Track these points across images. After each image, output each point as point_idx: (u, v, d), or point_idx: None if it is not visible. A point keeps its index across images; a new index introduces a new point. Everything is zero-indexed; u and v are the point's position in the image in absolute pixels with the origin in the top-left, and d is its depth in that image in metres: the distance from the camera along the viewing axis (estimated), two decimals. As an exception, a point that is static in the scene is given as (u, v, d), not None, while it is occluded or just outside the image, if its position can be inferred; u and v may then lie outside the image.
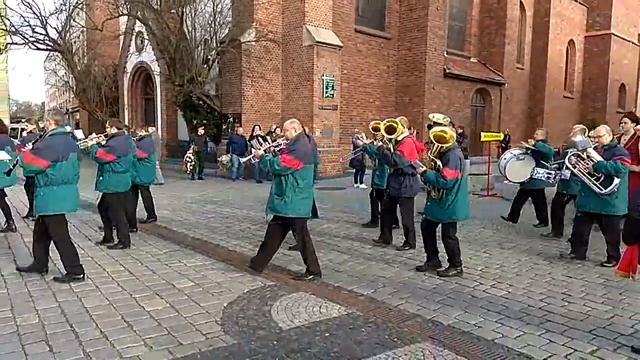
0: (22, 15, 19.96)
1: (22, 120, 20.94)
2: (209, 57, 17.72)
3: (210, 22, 17.19)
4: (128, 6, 18.67)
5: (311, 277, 5.05)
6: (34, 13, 19.61)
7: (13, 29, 19.77)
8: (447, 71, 21.44)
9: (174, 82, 17.98)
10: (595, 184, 5.54)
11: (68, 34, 21.79)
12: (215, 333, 3.73)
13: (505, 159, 8.01)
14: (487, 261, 5.83)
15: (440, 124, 8.18)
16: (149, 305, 4.28)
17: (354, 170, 13.90)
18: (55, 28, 20.75)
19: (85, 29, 23.60)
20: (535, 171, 7.15)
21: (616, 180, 5.42)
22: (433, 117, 8.04)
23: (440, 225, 5.31)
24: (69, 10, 20.87)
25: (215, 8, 16.92)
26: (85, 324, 3.84)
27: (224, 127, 18.11)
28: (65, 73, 26.84)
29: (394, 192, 6.46)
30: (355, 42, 19.51)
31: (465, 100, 23.24)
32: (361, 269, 5.50)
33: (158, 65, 20.55)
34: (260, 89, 17.70)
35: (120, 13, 19.28)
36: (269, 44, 17.30)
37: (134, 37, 22.21)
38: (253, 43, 17.00)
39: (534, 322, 3.99)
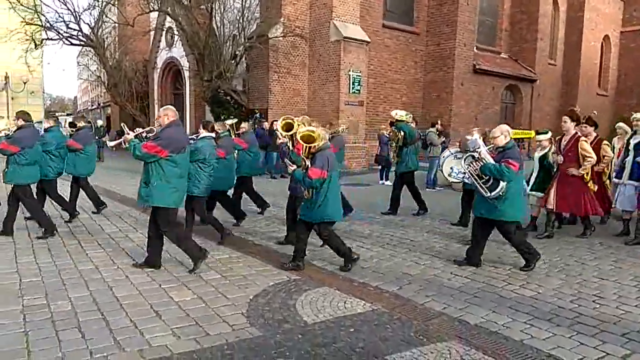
0: (56, 11, 20.73)
1: (58, 113, 21.53)
2: (237, 52, 17.87)
3: (238, 17, 17.32)
4: (159, 2, 18.97)
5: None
6: (68, 9, 20.15)
7: (48, 24, 20.38)
8: (477, 67, 21.08)
9: (202, 78, 18.20)
10: (482, 187, 5.20)
11: (100, 30, 22.30)
12: (241, 325, 3.78)
13: (443, 157, 8.00)
14: (517, 261, 5.71)
15: (402, 121, 8.05)
16: (177, 295, 4.36)
17: (380, 167, 13.83)
18: (88, 24, 21.28)
19: (116, 25, 24.09)
20: (452, 171, 7.06)
21: (501, 184, 5.05)
22: (396, 114, 7.90)
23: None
24: (102, 6, 21.35)
25: (243, 4, 17.05)
26: (115, 313, 3.94)
27: (250, 122, 18.25)
28: (97, 68, 27.50)
29: (294, 190, 6.29)
30: (382, 38, 19.36)
31: (494, 97, 22.81)
32: (387, 266, 5.47)
33: (187, 61, 20.85)
34: (287, 84, 17.76)
35: (151, 9, 19.60)
36: (296, 40, 17.34)
37: (164, 32, 22.56)
38: (280, 39, 17.06)
39: (565, 324, 3.90)
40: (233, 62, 17.86)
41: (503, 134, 5.25)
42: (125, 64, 24.54)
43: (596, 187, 7.08)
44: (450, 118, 19.84)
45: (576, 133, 6.76)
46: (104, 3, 21.34)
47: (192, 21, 17.85)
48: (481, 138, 5.53)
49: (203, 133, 6.38)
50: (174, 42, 21.81)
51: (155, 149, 4.73)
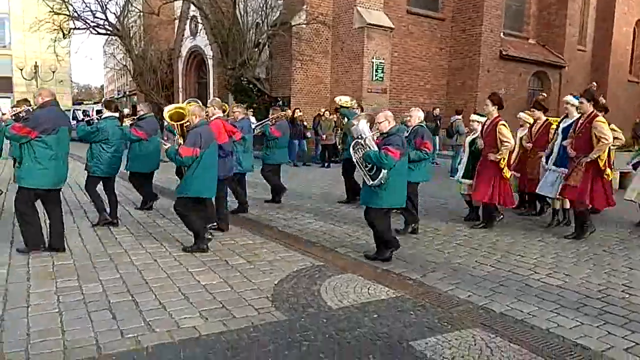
0: (83, 1, 20.87)
1: (85, 102, 22.01)
2: (260, 40, 17.89)
3: (261, 5, 17.32)
4: (183, -9, 19.09)
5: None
6: (95, -1, 20.42)
7: (76, 14, 20.74)
8: (504, 53, 20.61)
9: (225, 66, 18.31)
10: (366, 175, 5.03)
11: (126, 19, 22.62)
12: (266, 308, 3.84)
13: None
14: (543, 250, 5.64)
15: (346, 107, 7.79)
16: (204, 279, 4.45)
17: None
18: (114, 13, 21.64)
19: (142, 14, 24.35)
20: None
21: (383, 172, 4.84)
22: (339, 100, 7.66)
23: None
24: (127, -5, 21.60)
25: (267, -9, 17.01)
26: (145, 295, 4.05)
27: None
28: (123, 57, 27.92)
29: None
30: (406, 24, 19.09)
31: (521, 84, 22.29)
32: (410, 254, 5.46)
33: (211, 49, 20.99)
34: (310, 72, 17.72)
35: (177, -3, 19.75)
36: (319, 27, 17.24)
37: (188, 21, 22.73)
38: (303, 26, 17.00)
39: (592, 313, 3.84)
40: (256, 50, 17.91)
41: (387, 120, 5.03)
42: (151, 53, 24.84)
43: (510, 174, 6.62)
44: (476, 105, 19.50)
45: (497, 117, 6.46)
46: (130, -8, 21.59)
47: (216, 9, 17.92)
48: (369, 124, 5.12)
49: (106, 113, 6.48)
50: (198, 31, 21.96)
51: (24, 130, 4.75)
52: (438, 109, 16.39)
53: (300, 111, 15.17)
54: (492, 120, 6.52)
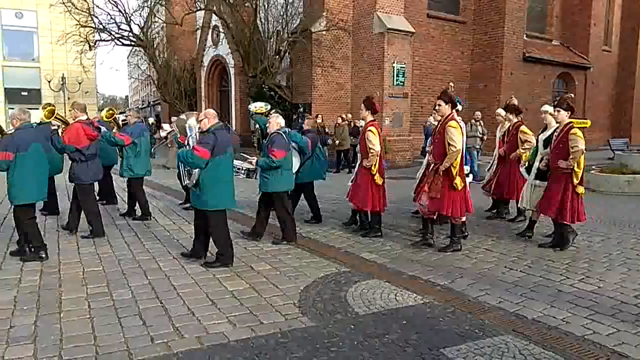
0: (108, 13, 21.38)
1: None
2: (281, 48, 18.02)
3: (282, 13, 17.46)
4: (205, 1, 19.39)
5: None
6: (119, 11, 20.97)
7: (101, 26, 21.27)
8: (527, 55, 20.29)
9: (247, 74, 18.50)
10: (183, 174, 5.14)
11: (150, 30, 23.08)
12: (293, 315, 3.83)
13: None
14: (574, 255, 5.49)
15: (260, 114, 7.45)
16: (231, 285, 4.47)
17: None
18: (138, 24, 22.09)
19: (165, 25, 24.82)
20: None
21: (194, 171, 4.87)
22: (254, 107, 7.43)
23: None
24: (151, 6, 22.05)
25: (287, 0, 17.15)
26: (173, 301, 4.09)
27: (294, 117, 18.40)
28: (148, 67, 28.46)
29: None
30: (427, 28, 18.98)
31: (546, 86, 21.90)
32: (436, 259, 5.39)
33: (232, 58, 21.23)
34: (330, 78, 17.75)
35: (198, 8, 20.08)
36: (339, 33, 17.28)
37: (210, 31, 23.05)
38: (323, 32, 17.06)
39: (629, 319, 3.72)
40: (277, 57, 18.04)
41: (207, 117, 5.00)
42: (174, 63, 25.28)
43: (382, 181, 6.22)
44: (498, 108, 19.25)
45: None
46: (153, 3, 22.04)
47: (237, 19, 18.14)
48: (198, 125, 5.18)
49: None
50: (220, 40, 22.25)
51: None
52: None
53: (321, 118, 15.22)
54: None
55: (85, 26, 20.80)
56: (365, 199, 6.16)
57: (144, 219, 7.42)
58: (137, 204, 7.59)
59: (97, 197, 8.15)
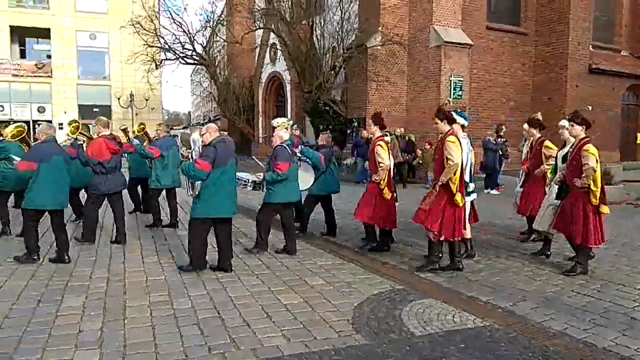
0: (174, 34, 22.55)
1: (175, 127, 23.61)
2: (336, 63, 18.24)
3: (338, 29, 17.69)
4: (264, 20, 20.02)
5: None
6: (184, 31, 22.07)
7: (167, 46, 22.47)
8: (593, 67, 19.31)
9: (303, 89, 18.85)
10: (187, 186, 5.39)
11: (211, 49, 24.09)
12: (347, 331, 3.79)
13: None
14: (649, 280, 5.11)
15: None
16: (285, 298, 4.50)
17: (485, 175, 13.19)
18: (201, 44, 23.12)
19: (226, 44, 25.83)
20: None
21: (197, 183, 5.19)
22: (277, 122, 7.42)
23: None
24: (213, 26, 23.05)
25: (343, 15, 17.38)
26: (230, 312, 4.17)
27: (348, 131, 18.47)
28: (209, 84, 29.66)
29: None
30: (486, 40, 18.56)
31: (614, 98, 20.69)
32: (496, 280, 5.18)
33: (289, 74, 21.73)
34: (385, 92, 17.71)
35: (257, 27, 20.76)
36: (395, 47, 17.26)
37: (268, 49, 23.76)
38: (379, 47, 17.11)
39: None
40: (332, 73, 18.26)
41: (208, 132, 5.32)
42: (233, 80, 26.20)
43: (390, 196, 6.15)
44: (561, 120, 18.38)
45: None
46: (215, 23, 23.03)
47: (294, 36, 18.58)
48: (201, 138, 5.43)
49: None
50: (277, 57, 22.85)
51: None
52: (504, 127, 15.05)
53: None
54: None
55: (152, 46, 22.04)
56: (365, 213, 6.17)
57: (152, 226, 7.83)
58: (169, 214, 8.07)
59: (135, 209, 9.05)
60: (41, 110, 30.35)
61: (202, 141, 5.39)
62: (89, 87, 31.22)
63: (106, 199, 6.76)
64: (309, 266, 5.65)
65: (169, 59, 23.09)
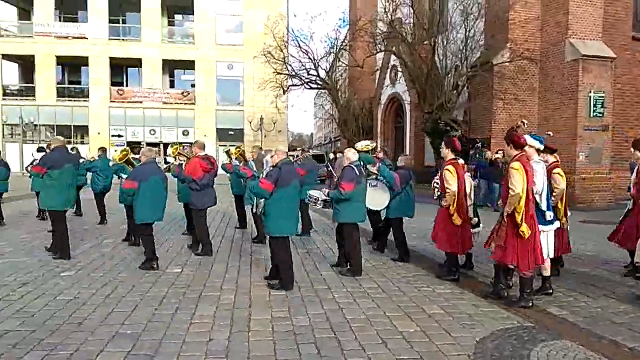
0: (300, 61, 23.86)
1: (297, 148, 24.80)
2: (459, 82, 17.71)
3: (461, 47, 17.21)
4: (385, 43, 20.27)
5: None
6: (309, 58, 23.24)
7: (293, 73, 23.87)
8: None
9: (423, 110, 18.58)
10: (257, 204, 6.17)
11: (334, 73, 25.02)
12: (467, 367, 3.60)
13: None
14: None
15: (365, 151, 7.34)
16: (401, 325, 4.42)
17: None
18: (324, 69, 24.13)
19: (347, 68, 26.63)
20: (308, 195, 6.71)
21: (261, 201, 5.79)
22: (361, 146, 7.46)
23: None
24: (336, 52, 23.96)
25: (467, 33, 16.87)
26: (346, 334, 4.21)
27: (470, 152, 17.69)
28: (331, 107, 30.72)
29: None
30: (632, 52, 16.62)
31: None
32: (647, 324, 4.51)
33: (409, 95, 21.61)
34: (513, 111, 16.70)
35: (378, 50, 21.08)
36: (524, 63, 16.25)
37: (388, 71, 23.97)
38: (507, 64, 16.25)
39: None
40: (454, 92, 17.75)
41: (277, 154, 5.69)
42: (354, 102, 26.85)
43: (460, 222, 5.86)
44: None
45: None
46: (338, 49, 23.93)
47: (415, 57, 18.48)
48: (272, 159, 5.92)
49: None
50: (398, 79, 22.90)
51: (37, 169, 6.89)
52: None
53: (503, 154, 14.30)
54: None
55: (281, 73, 23.58)
56: (441, 239, 6.01)
57: (257, 242, 8.32)
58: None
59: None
60: (185, 133, 34.05)
61: (271, 163, 5.86)
62: (225, 112, 34.32)
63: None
64: (426, 293, 5.48)
65: (295, 85, 24.47)
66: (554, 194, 5.74)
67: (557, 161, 6.13)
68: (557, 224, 5.48)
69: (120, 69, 35.21)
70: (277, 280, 5.66)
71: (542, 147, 5.46)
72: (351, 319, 4.57)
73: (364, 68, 22.51)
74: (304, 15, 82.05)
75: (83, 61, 33.33)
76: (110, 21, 33.40)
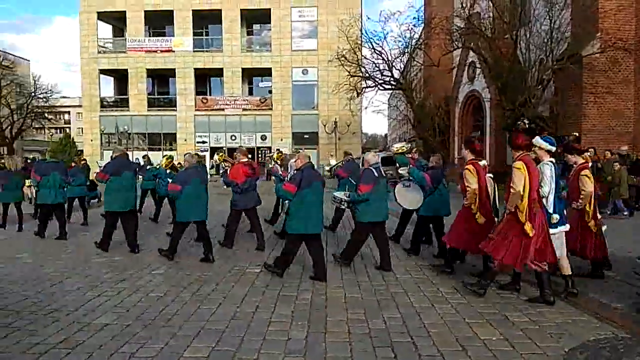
0: (374, 62, 23.77)
1: (372, 150, 24.74)
2: (544, 77, 16.71)
3: (545, 40, 16.24)
4: (462, 39, 19.63)
5: None
6: (383, 59, 23.09)
7: (367, 75, 23.84)
8: None
9: (504, 107, 17.73)
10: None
11: (408, 74, 24.68)
12: (555, 379, 3.39)
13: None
14: None
15: (401, 153, 8.13)
16: (482, 332, 4.26)
17: None
18: (398, 69, 23.86)
19: (422, 67, 26.12)
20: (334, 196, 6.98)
21: (285, 202, 7.39)
22: (396, 147, 8.42)
23: None
24: (411, 51, 23.61)
25: (552, 25, 15.89)
26: (423, 339, 4.13)
27: (558, 150, 16.59)
28: (405, 107, 30.29)
29: None
30: None
31: None
32: None
33: (489, 92, 20.73)
34: (605, 105, 15.49)
35: (455, 47, 20.45)
36: (618, 54, 15.00)
37: (466, 68, 23.15)
38: (597, 55, 15.09)
39: None
40: (539, 87, 16.76)
41: (299, 159, 6.24)
42: (429, 102, 26.26)
43: (483, 221, 5.85)
44: None
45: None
46: (413, 48, 23.55)
47: (495, 52, 17.70)
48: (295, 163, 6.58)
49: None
50: (476, 76, 22.06)
51: (100, 175, 7.84)
52: None
53: (595, 151, 13.29)
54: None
55: (354, 76, 23.66)
56: (457, 236, 6.04)
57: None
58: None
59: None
60: (263, 138, 35.26)
61: (294, 167, 6.45)
62: (301, 117, 35.09)
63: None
64: (509, 300, 5.23)
65: (369, 87, 24.43)
66: (580, 196, 5.70)
67: (586, 162, 6.08)
68: (565, 227, 5.44)
69: (204, 78, 37.27)
70: (276, 266, 6.29)
71: (553, 149, 5.38)
72: (429, 324, 4.49)
73: (440, 66, 21.92)
74: (377, 16, 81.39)
75: (170, 73, 35.67)
76: (195, 34, 35.46)
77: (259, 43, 37.22)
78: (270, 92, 35.87)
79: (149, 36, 36.69)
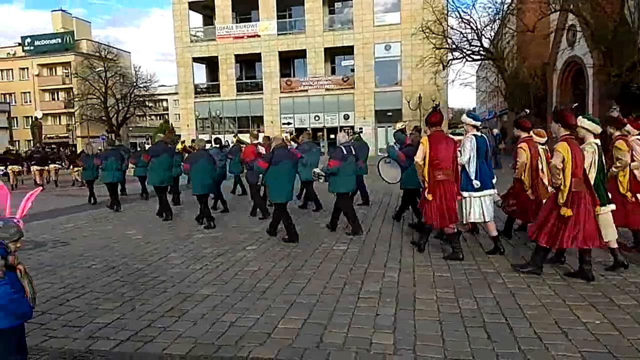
0: (461, 32, 22.65)
1: (458, 126, 23.81)
2: (661, 36, 14.90)
3: (660, -5, 14.42)
4: (560, 1, 18.04)
5: None
6: (472, 28, 21.90)
7: (454, 46, 22.79)
8: None
9: (610, 73, 16.12)
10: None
11: (500, 42, 23.20)
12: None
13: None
14: None
15: (400, 131, 9.12)
16: (584, 316, 4.01)
17: None
18: (488, 38, 22.52)
19: (515, 33, 24.42)
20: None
21: (260, 176, 8.43)
22: (397, 126, 9.48)
23: None
24: (502, 17, 22.13)
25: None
26: (518, 321, 3.97)
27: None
28: (496, 78, 28.60)
29: None
30: None
31: None
32: None
33: (591, 57, 18.93)
34: None
35: (553, 10, 18.86)
36: None
37: (565, 32, 21.29)
38: None
39: None
40: (651, 49, 15.00)
41: (274, 141, 7.75)
42: (523, 71, 24.55)
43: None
44: None
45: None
46: (505, 14, 22.06)
47: (599, 13, 16.06)
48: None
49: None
50: (577, 40, 20.21)
51: (145, 157, 9.96)
52: None
53: None
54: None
55: (440, 48, 22.74)
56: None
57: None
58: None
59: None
60: (346, 117, 35.27)
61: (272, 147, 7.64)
62: (383, 94, 34.55)
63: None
64: (615, 281, 4.86)
65: (456, 58, 23.39)
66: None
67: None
68: (486, 192, 6.00)
69: (288, 61, 37.89)
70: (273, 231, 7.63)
71: (478, 123, 6.13)
72: (524, 306, 4.30)
73: (535, 32, 20.33)
74: (464, -17, 77.24)
75: (257, 57, 36.72)
76: (278, 17, 36.06)
77: (340, 21, 36.93)
78: (352, 70, 35.63)
79: (236, 22, 37.92)
